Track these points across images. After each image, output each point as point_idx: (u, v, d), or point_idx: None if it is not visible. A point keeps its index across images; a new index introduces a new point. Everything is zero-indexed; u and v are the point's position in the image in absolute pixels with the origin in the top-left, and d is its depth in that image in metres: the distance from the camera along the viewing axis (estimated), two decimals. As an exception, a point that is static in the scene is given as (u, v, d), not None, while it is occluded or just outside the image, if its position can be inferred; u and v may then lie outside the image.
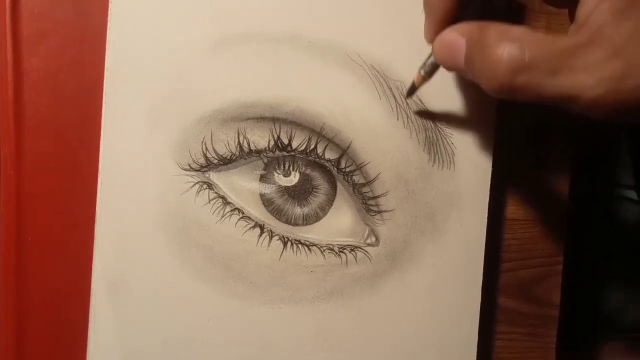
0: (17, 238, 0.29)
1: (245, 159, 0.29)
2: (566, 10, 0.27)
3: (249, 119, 0.29)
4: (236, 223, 0.29)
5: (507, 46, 0.22)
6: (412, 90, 0.29)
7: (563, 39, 0.22)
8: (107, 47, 0.28)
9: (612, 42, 0.21)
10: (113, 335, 0.28)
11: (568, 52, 0.21)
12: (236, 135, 0.29)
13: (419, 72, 0.28)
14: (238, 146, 0.29)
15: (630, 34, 0.21)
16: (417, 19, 0.27)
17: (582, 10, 0.22)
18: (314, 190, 0.30)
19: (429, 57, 0.27)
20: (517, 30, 0.22)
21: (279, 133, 0.29)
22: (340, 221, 0.30)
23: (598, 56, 0.21)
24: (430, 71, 0.27)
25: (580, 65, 0.21)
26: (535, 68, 0.21)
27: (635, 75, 0.20)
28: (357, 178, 0.30)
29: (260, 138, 0.29)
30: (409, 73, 0.30)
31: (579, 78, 0.21)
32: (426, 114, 0.30)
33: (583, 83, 0.21)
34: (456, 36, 0.24)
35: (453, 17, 0.25)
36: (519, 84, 0.22)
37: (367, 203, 0.30)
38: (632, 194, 0.45)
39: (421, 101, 0.30)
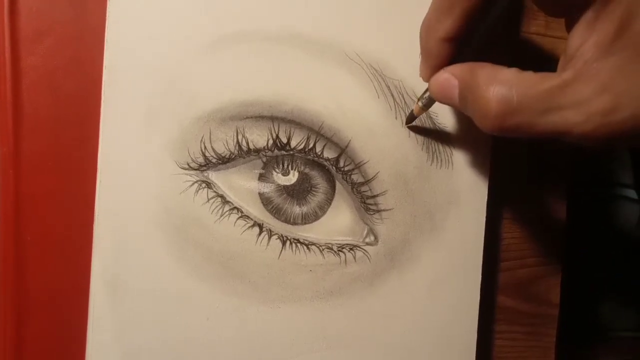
0: (15, 237, 0.29)
1: (244, 158, 0.29)
2: None
3: (247, 117, 0.29)
4: (235, 222, 0.29)
5: (496, 89, 0.22)
6: (411, 119, 0.29)
7: (551, 78, 0.22)
8: (105, 46, 0.28)
9: (599, 77, 0.21)
10: (112, 334, 0.28)
11: (556, 91, 0.22)
12: (235, 134, 0.29)
13: (417, 103, 0.28)
14: (237, 145, 0.29)
15: (617, 68, 0.21)
16: (415, 17, 0.27)
17: (571, 44, 0.22)
18: (313, 189, 0.30)
19: (426, 91, 0.28)
20: (506, 73, 0.23)
21: (278, 132, 0.29)
22: (339, 220, 0.30)
23: (585, 93, 0.21)
24: (427, 104, 0.28)
25: (568, 102, 0.21)
26: (525, 110, 0.22)
27: (623, 109, 0.21)
28: (356, 177, 0.30)
29: (259, 137, 0.29)
30: (408, 72, 0.30)
31: (568, 115, 0.21)
32: (425, 113, 0.30)
33: (572, 120, 0.21)
34: (449, 77, 0.25)
35: (448, 61, 0.26)
36: (510, 126, 0.22)
37: (366, 202, 0.30)
38: (631, 193, 0.45)
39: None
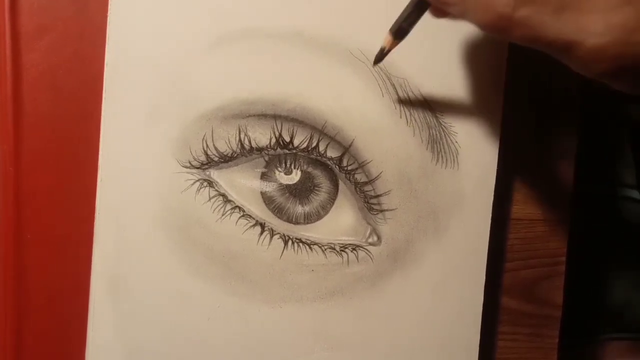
0: (16, 235, 0.29)
1: (246, 156, 0.29)
2: None
3: (250, 116, 0.28)
4: (237, 221, 0.29)
5: None
6: (381, 56, 0.27)
7: None
8: (107, 42, 0.27)
9: None
10: (112, 333, 0.28)
11: None
12: (237, 133, 0.28)
13: (389, 33, 0.26)
14: (239, 143, 0.28)
15: None
16: (423, 17, 0.27)
17: None
18: (316, 188, 0.30)
19: (400, 17, 0.25)
20: None
21: (281, 130, 0.29)
22: (341, 220, 0.30)
23: (611, 0, 0.19)
24: (398, 31, 0.25)
25: (590, 6, 0.19)
26: (539, 2, 0.19)
27: None
28: (359, 176, 0.29)
29: (261, 135, 0.29)
30: (413, 70, 0.29)
31: (586, 20, 0.19)
32: (429, 112, 0.30)
33: (589, 27, 0.19)
34: None
35: None
36: (519, 18, 0.20)
37: (369, 202, 0.30)
38: (635, 194, 0.45)
39: (424, 99, 0.30)
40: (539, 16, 0.19)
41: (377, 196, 0.30)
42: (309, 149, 0.29)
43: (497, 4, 0.20)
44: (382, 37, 0.28)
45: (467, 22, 0.22)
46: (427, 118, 0.30)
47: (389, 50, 0.27)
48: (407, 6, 0.25)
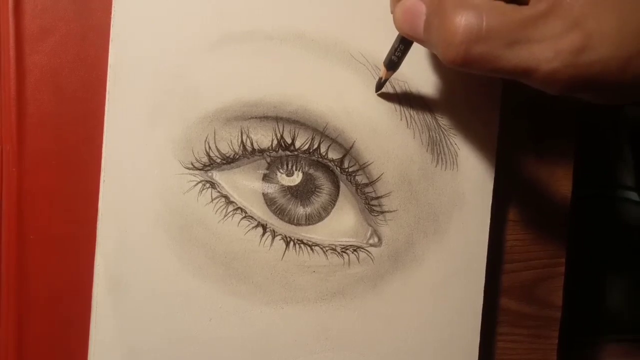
0: (18, 236, 0.29)
1: (248, 158, 0.29)
2: None
3: (252, 118, 0.29)
4: (239, 222, 0.29)
5: (465, 14, 0.21)
6: (380, 85, 0.29)
7: (523, 9, 0.21)
8: (110, 44, 0.27)
9: (572, 13, 0.20)
10: (114, 333, 0.28)
11: (527, 23, 0.20)
12: (239, 134, 0.29)
13: (384, 65, 0.28)
14: (241, 145, 0.29)
15: (590, 4, 0.20)
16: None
17: None
18: (317, 190, 0.30)
19: (391, 50, 0.27)
20: None
21: (282, 132, 0.29)
22: (343, 221, 0.30)
23: (557, 28, 0.20)
24: (391, 64, 0.27)
25: (538, 36, 0.20)
26: (492, 39, 0.21)
27: (593, 50, 0.20)
28: (360, 178, 0.30)
29: (263, 137, 0.29)
30: (413, 73, 0.30)
31: (536, 50, 0.20)
32: (429, 115, 0.30)
33: (540, 55, 0.20)
34: (417, 2, 0.23)
35: None
36: (475, 55, 0.21)
37: (370, 203, 0.30)
38: (633, 196, 0.45)
39: (424, 102, 0.30)
40: (492, 52, 0.21)
41: (378, 198, 0.30)
42: (311, 150, 0.29)
43: (453, 44, 0.21)
44: (383, 39, 0.28)
45: None
46: (427, 120, 0.30)
47: (386, 80, 0.29)
48: (395, 41, 0.27)
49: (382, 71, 0.28)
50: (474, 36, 0.21)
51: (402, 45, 0.27)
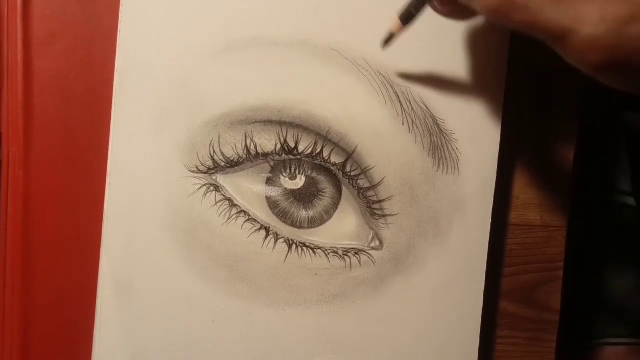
0: (24, 238, 0.29)
1: (252, 162, 0.29)
2: None
3: (256, 122, 0.29)
4: (242, 225, 0.29)
5: None
6: (389, 39, 0.28)
7: None
8: (117, 49, 0.28)
9: None
10: (119, 335, 0.28)
11: None
12: (243, 139, 0.29)
13: (398, 18, 0.27)
14: (245, 149, 0.29)
15: None
16: (424, 26, 0.28)
17: None
18: (320, 193, 0.30)
19: (410, 1, 0.26)
20: None
21: (286, 136, 0.29)
22: (344, 224, 0.30)
23: None
24: (406, 15, 0.27)
25: None
26: None
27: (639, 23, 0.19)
28: (362, 182, 0.30)
29: (267, 141, 0.29)
30: (415, 78, 0.30)
31: (583, 10, 0.19)
32: (431, 119, 0.30)
33: (585, 17, 0.19)
34: None
35: None
36: (520, 3, 0.20)
37: (372, 207, 0.30)
38: (630, 200, 0.46)
39: (426, 107, 0.30)
40: (538, 2, 0.20)
41: (380, 201, 0.30)
42: (314, 154, 0.29)
43: None
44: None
45: (470, 9, 0.23)
46: (429, 125, 0.30)
47: (398, 35, 0.27)
48: None
49: (394, 24, 0.27)
50: None
51: None
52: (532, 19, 0.20)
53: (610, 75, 0.21)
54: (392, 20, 0.27)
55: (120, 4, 0.28)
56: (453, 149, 0.31)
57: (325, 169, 0.30)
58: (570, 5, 0.20)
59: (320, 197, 0.30)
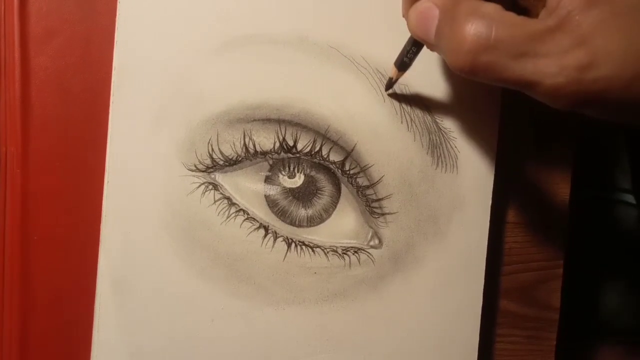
0: (22, 237, 0.29)
1: (251, 160, 0.29)
2: None
3: (254, 120, 0.29)
4: (241, 224, 0.29)
5: (475, 23, 0.21)
6: (389, 85, 0.29)
7: (532, 23, 0.21)
8: (115, 47, 0.28)
9: (580, 30, 0.20)
10: (117, 334, 0.28)
11: (535, 37, 0.21)
12: (242, 137, 0.29)
13: (394, 66, 0.28)
14: (244, 147, 0.29)
15: (598, 22, 0.20)
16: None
17: None
18: (319, 192, 0.30)
19: (402, 52, 0.27)
20: (488, 8, 0.22)
21: (285, 135, 0.29)
22: (344, 223, 0.30)
23: (563, 44, 0.20)
24: (402, 64, 0.28)
25: (545, 51, 0.21)
26: (500, 50, 0.21)
27: (597, 68, 0.20)
28: (361, 180, 0.30)
29: (265, 139, 0.29)
30: (413, 77, 0.30)
31: (542, 64, 0.21)
32: (429, 118, 0.30)
33: (545, 70, 0.21)
34: (431, 5, 0.24)
35: None
36: (481, 64, 0.21)
37: (371, 205, 0.30)
38: (630, 198, 0.46)
39: (425, 105, 0.30)
40: (498, 62, 0.21)
41: (379, 200, 0.30)
42: (312, 153, 0.29)
43: (462, 51, 0.22)
44: (384, 44, 0.29)
45: None
46: (427, 123, 0.30)
47: (396, 80, 0.29)
48: (407, 42, 0.27)
49: (393, 71, 0.28)
50: (482, 46, 0.21)
51: (415, 48, 0.27)
52: (497, 76, 0.22)
53: (584, 111, 0.22)
54: (391, 69, 0.29)
55: (118, 1, 0.28)
56: (452, 147, 0.31)
57: (324, 167, 0.30)
58: (529, 60, 0.21)
59: (319, 195, 0.30)
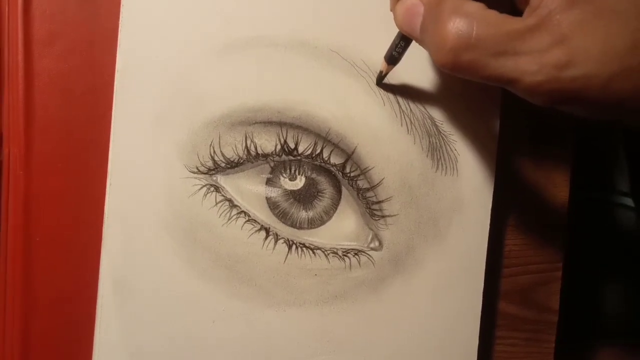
0: (24, 238, 0.29)
1: (252, 162, 0.29)
2: None
3: (256, 123, 0.29)
4: (242, 226, 0.29)
5: (457, 21, 0.22)
6: (380, 78, 0.30)
7: (514, 21, 0.22)
8: (118, 49, 0.28)
9: (559, 29, 0.21)
10: (119, 335, 0.28)
11: (516, 35, 0.21)
12: (244, 139, 0.29)
13: (384, 59, 0.28)
14: (245, 150, 0.29)
15: (578, 22, 0.20)
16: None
17: None
18: (319, 194, 0.30)
19: (391, 46, 0.28)
20: (471, 6, 0.22)
21: (286, 137, 0.29)
22: (344, 225, 0.30)
23: (543, 42, 0.21)
24: (391, 58, 0.28)
25: (525, 49, 0.21)
26: (480, 48, 0.22)
27: (576, 66, 0.20)
28: (362, 183, 0.30)
29: (267, 142, 0.29)
30: (414, 80, 0.30)
31: (522, 62, 0.21)
32: (429, 121, 0.30)
33: (524, 67, 0.21)
34: (416, 2, 0.24)
35: None
36: (463, 62, 0.22)
37: (371, 208, 0.30)
38: (628, 201, 0.46)
39: (425, 108, 0.30)
40: (480, 60, 0.22)
41: (379, 202, 0.30)
42: (313, 155, 0.30)
43: (445, 48, 0.22)
44: (384, 47, 0.29)
45: None
46: (427, 126, 0.30)
47: (386, 73, 0.29)
48: (396, 36, 0.28)
49: (383, 65, 0.29)
50: (463, 44, 0.22)
51: (403, 42, 0.27)
52: (479, 73, 0.22)
53: (563, 108, 0.22)
54: (381, 63, 0.29)
55: (121, 4, 0.28)
56: (452, 150, 0.31)
57: (325, 169, 0.30)
58: (509, 58, 0.21)
59: (320, 197, 0.30)
